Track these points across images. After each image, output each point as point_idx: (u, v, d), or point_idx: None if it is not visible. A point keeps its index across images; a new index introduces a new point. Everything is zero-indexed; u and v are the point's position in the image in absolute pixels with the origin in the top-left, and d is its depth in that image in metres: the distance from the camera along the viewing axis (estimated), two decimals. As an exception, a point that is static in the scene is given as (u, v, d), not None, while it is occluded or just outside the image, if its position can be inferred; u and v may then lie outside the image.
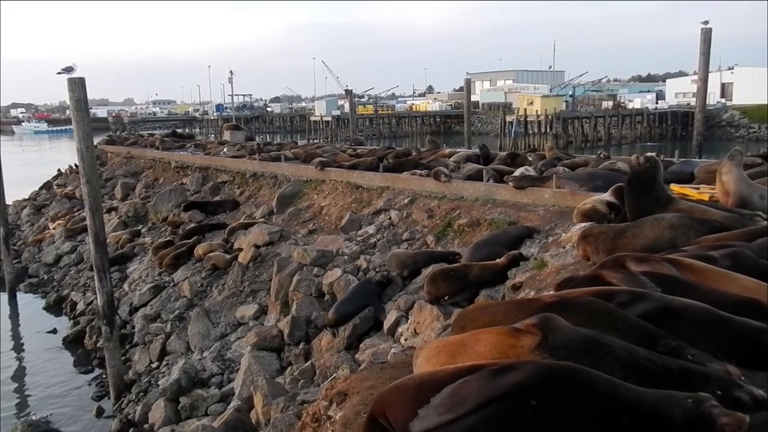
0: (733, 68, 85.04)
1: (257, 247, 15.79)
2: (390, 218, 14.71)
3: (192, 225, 19.44)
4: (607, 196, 9.74)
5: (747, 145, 55.75)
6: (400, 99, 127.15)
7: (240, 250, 16.22)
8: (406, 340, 9.80)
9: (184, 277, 16.44)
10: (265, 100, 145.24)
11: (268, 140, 43.56)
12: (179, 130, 49.80)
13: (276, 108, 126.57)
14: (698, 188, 10.90)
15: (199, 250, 17.01)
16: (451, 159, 18.17)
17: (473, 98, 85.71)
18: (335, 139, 70.09)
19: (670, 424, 2.98)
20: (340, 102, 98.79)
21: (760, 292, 4.65)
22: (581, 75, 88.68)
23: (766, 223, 7.22)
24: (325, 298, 12.57)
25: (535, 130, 63.78)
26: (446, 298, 9.81)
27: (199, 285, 15.84)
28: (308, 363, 11.05)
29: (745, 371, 3.78)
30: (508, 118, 65.25)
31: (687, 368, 3.46)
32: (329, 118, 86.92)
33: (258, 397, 9.95)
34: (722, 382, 3.36)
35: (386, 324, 10.67)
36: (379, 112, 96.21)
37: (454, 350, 4.02)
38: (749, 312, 4.33)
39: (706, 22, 31.34)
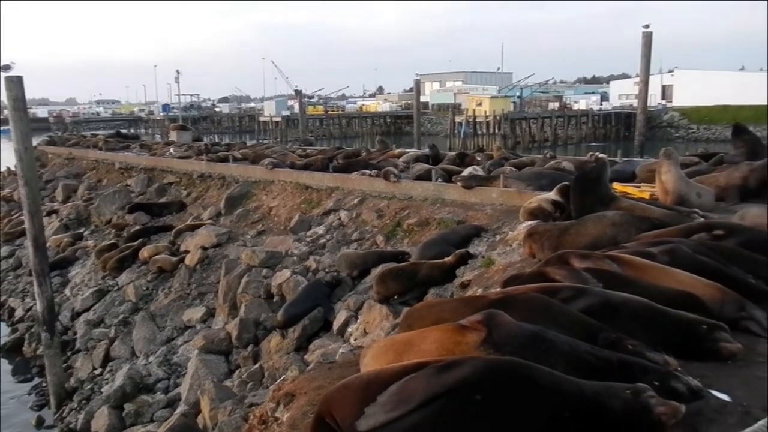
0: (673, 71, 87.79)
1: (205, 249, 15.52)
2: (340, 219, 14.68)
3: (137, 227, 19.00)
4: (552, 194, 9.92)
5: (686, 145, 57.74)
6: (350, 99, 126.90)
7: (187, 252, 15.91)
8: (355, 339, 9.79)
9: (128, 281, 16.04)
10: (213, 101, 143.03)
11: (217, 141, 42.90)
12: (124, 131, 48.68)
13: (224, 108, 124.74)
14: (639, 187, 11.23)
15: (144, 252, 16.62)
16: (400, 159, 18.26)
17: (423, 99, 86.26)
18: (285, 139, 69.50)
19: (609, 415, 3.06)
20: (290, 102, 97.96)
21: (695, 286, 4.81)
22: (528, 77, 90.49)
23: (703, 220, 7.48)
24: (274, 300, 12.46)
25: (484, 130, 64.58)
26: (395, 297, 9.84)
27: (144, 288, 15.48)
28: (257, 365, 10.92)
29: (681, 362, 3.90)
30: (458, 119, 65.90)
31: (626, 360, 3.55)
32: (279, 119, 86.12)
33: (205, 401, 9.78)
34: (660, 373, 3.46)
35: (336, 324, 10.64)
36: (329, 112, 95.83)
37: (401, 348, 4.02)
38: (685, 305, 4.48)
39: (647, 26, 32.30)
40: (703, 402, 3.47)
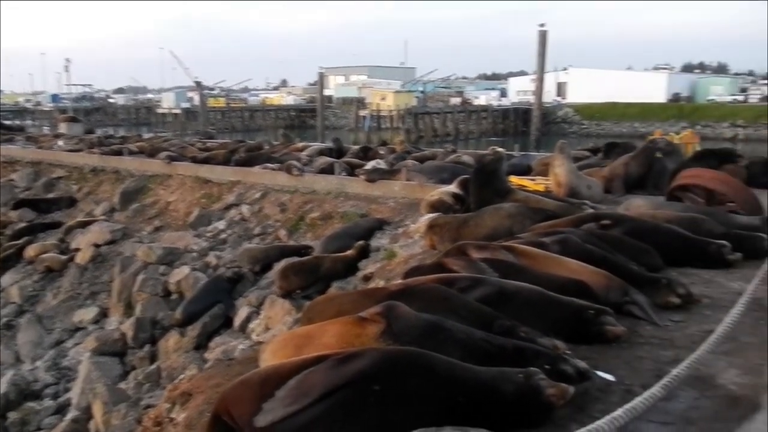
0: (567, 69, 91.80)
1: (97, 246, 14.80)
2: (241, 213, 14.42)
3: (22, 225, 17.82)
4: (453, 187, 10.13)
5: (579, 140, 60.58)
6: (253, 92, 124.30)
7: (78, 250, 15.12)
8: (257, 335, 9.64)
9: (12, 282, 15.05)
10: (108, 91, 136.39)
11: (111, 133, 40.93)
12: (7, 122, 45.53)
13: (120, 99, 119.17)
14: (535, 180, 11.67)
15: (30, 251, 15.64)
16: (303, 153, 18.09)
17: (327, 93, 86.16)
18: (184, 132, 67.37)
19: (503, 399, 3.17)
20: (190, 94, 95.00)
21: (584, 273, 5.05)
22: (431, 72, 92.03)
23: (592, 211, 7.86)
24: (172, 298, 12.09)
25: (388, 124, 65.28)
26: (298, 291, 9.78)
27: (30, 289, 14.58)
28: (154, 366, 10.55)
29: (570, 345, 4.09)
30: (362, 113, 66.28)
31: (519, 346, 3.68)
32: (178, 111, 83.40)
33: (98, 406, 9.35)
34: (550, 357, 3.61)
35: (237, 321, 10.46)
36: (232, 105, 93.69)
37: (301, 342, 3.99)
38: (575, 292, 4.70)
39: (543, 25, 33.66)
40: (589, 382, 3.65)
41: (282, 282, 9.85)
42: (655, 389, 2.45)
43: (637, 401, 2.36)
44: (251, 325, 10.11)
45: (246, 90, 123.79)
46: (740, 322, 4.50)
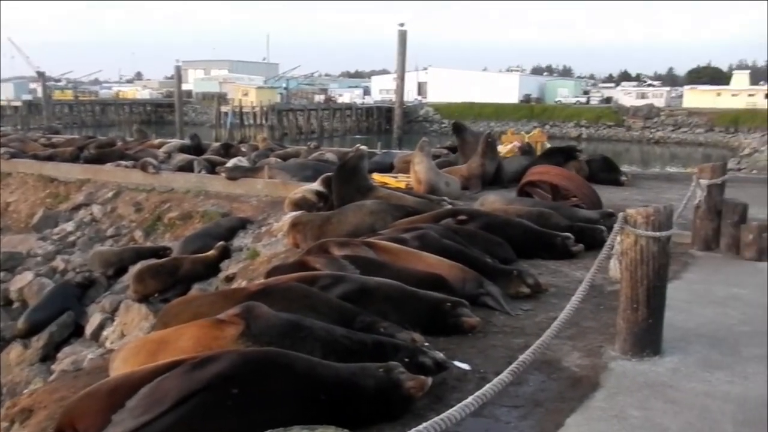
0: (427, 69, 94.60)
1: (-77, 252, 13.32)
2: (92, 213, 13.58)
3: None
4: (316, 185, 10.12)
5: (440, 139, 62.69)
6: (104, 84, 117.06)
7: None
8: (112, 343, 9.10)
9: None
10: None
11: (-62, 127, 37.03)
12: None
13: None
14: (397, 177, 11.94)
15: None
16: (161, 150, 17.30)
17: (186, 87, 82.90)
18: (27, 127, 62.19)
19: (364, 394, 3.21)
20: (33, 85, 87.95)
21: (441, 267, 5.24)
22: (294, 68, 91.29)
23: (450, 207, 8.17)
24: (14, 306, 11.18)
25: (251, 121, 63.88)
26: (156, 295, 9.35)
27: None
28: (-6, 382, 9.66)
29: (429, 338, 4.23)
30: (224, 109, 64.37)
31: (379, 341, 3.75)
32: (19, 103, 76.80)
33: (-73, 430, 8.41)
34: (409, 350, 3.71)
35: (89, 328, 9.82)
36: (80, 98, 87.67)
37: (155, 348, 3.81)
38: (432, 286, 4.86)
39: (402, 25, 34.42)
40: (447, 372, 3.79)
41: (138, 286, 9.38)
42: (504, 375, 2.58)
43: (486, 388, 2.47)
44: (105, 333, 9.52)
45: (97, 82, 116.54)
46: (582, 308, 4.87)
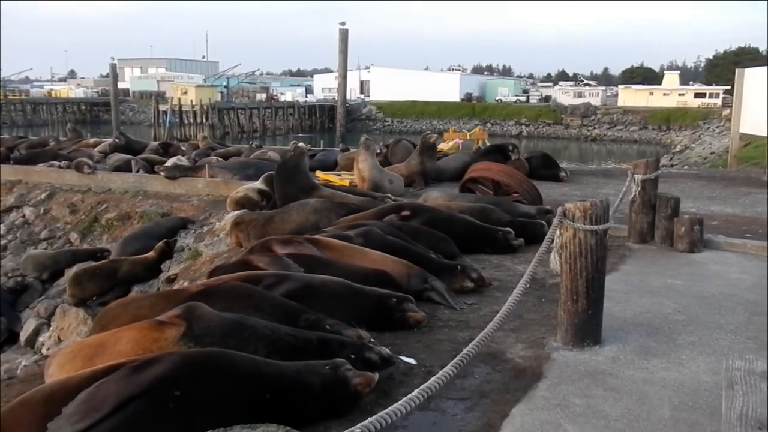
0: (369, 67, 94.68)
1: None
2: (24, 216, 13.07)
3: None
4: (258, 184, 10.01)
5: (383, 137, 62.87)
6: (36, 83, 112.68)
7: None
8: (48, 349, 8.76)
9: None
10: None
11: None
12: None
13: None
14: (340, 175, 11.92)
15: None
16: (96, 149, 16.78)
17: (123, 86, 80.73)
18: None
19: (309, 392, 3.19)
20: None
21: (386, 263, 5.24)
22: (235, 66, 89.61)
23: (394, 203, 8.19)
24: (-60, 314, 10.57)
25: (192, 120, 62.59)
26: (94, 298, 9.05)
27: None
28: None
29: (375, 334, 4.22)
30: (162, 108, 62.84)
31: (325, 338, 3.72)
32: (-62, 103, 73.22)
33: None
34: (355, 347, 3.70)
35: (23, 335, 9.43)
36: (9, 97, 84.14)
37: (92, 352, 3.68)
38: (378, 282, 4.86)
39: (343, 23, 34.36)
40: (394, 368, 3.80)
41: (74, 289, 9.06)
42: (448, 368, 2.60)
43: (431, 381, 2.48)
44: (41, 339, 9.16)
45: (27, 81, 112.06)
46: (525, 301, 4.96)
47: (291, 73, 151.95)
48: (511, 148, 12.57)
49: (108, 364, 3.26)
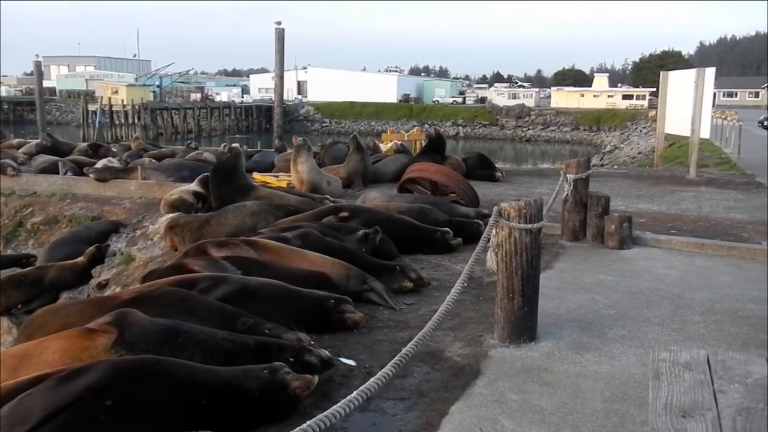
0: (306, 68, 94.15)
1: None
2: (-59, 221, 12.34)
3: None
4: (193, 186, 9.79)
5: (321, 138, 62.62)
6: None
7: None
8: (-32, 362, 8.35)
9: None
10: None
11: None
12: None
13: None
14: (278, 176, 11.79)
15: None
16: (20, 150, 16.07)
17: (49, 84, 77.61)
18: None
19: (248, 396, 3.13)
20: None
21: (324, 265, 5.21)
22: (168, 65, 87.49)
23: (332, 204, 8.16)
24: None
25: (123, 120, 60.81)
26: (19, 306, 8.64)
27: None
28: None
29: (314, 336, 4.20)
30: (91, 107, 60.80)
31: (263, 342, 3.67)
32: None
33: None
34: (294, 350, 3.66)
35: (-59, 347, 8.93)
36: (-75, 96, 79.90)
37: (16, 363, 3.52)
38: (316, 284, 4.83)
39: (279, 23, 34.00)
40: (333, 370, 3.78)
41: (-3, 297, 8.63)
42: (387, 369, 2.60)
43: (370, 382, 2.48)
44: (-41, 351, 8.71)
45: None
46: (463, 300, 5.02)
47: (226, 73, 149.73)
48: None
49: (34, 375, 3.13)
